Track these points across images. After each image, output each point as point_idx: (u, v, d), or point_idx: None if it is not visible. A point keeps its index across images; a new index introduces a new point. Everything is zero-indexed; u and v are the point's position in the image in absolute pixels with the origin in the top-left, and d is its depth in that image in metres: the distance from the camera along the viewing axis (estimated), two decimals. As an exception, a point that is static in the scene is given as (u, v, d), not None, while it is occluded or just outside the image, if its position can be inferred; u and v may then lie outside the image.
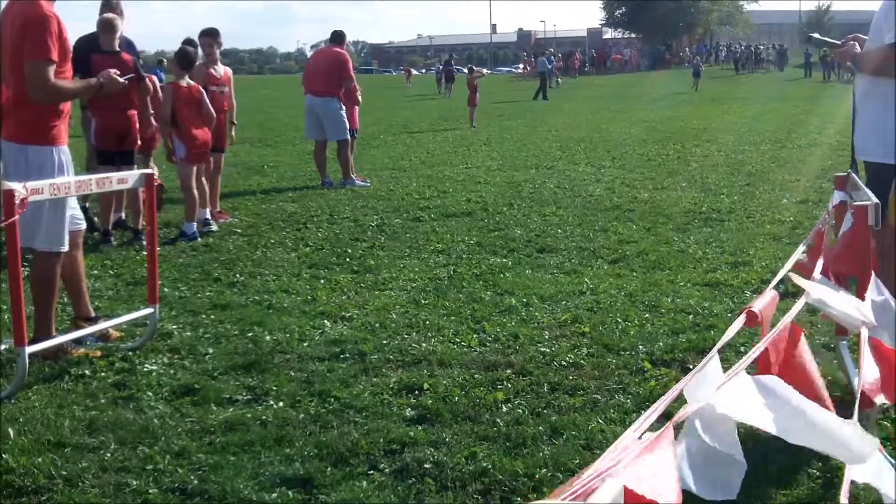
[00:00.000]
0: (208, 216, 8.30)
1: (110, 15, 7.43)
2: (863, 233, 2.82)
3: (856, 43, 3.90)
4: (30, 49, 4.38)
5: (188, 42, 10.57)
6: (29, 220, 4.29)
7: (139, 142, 7.68)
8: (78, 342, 4.70)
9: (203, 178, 8.36)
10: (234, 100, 9.31)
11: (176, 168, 8.40)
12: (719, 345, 1.76)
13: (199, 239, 7.82)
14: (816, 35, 4.71)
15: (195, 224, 7.98)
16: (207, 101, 8.20)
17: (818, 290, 2.17)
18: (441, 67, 48.51)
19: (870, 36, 3.82)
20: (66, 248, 4.62)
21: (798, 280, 2.20)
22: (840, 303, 2.20)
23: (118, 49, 7.40)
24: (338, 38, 11.70)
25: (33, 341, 4.35)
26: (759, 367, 1.87)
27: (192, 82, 8.18)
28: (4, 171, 4.49)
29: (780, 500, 2.95)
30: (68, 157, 4.67)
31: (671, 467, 1.25)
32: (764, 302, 2.00)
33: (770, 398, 1.52)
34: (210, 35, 9.13)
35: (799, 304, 2.04)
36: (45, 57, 4.38)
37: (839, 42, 4.03)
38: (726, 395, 1.47)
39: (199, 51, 9.00)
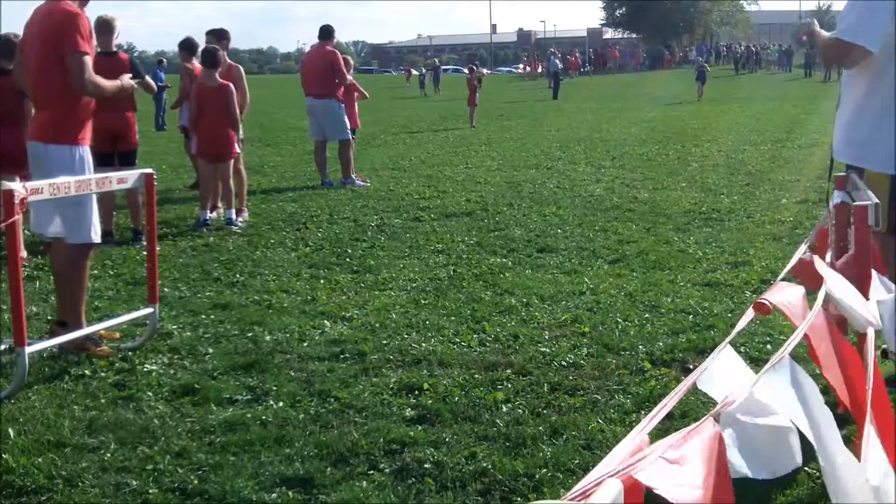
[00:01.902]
0: (209, 217, 8.34)
1: (109, 15, 7.45)
2: (863, 233, 2.81)
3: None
4: (69, 44, 4.51)
5: (186, 41, 10.62)
6: (60, 216, 4.58)
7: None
8: (95, 340, 4.74)
9: (222, 178, 8.48)
10: (247, 97, 9.41)
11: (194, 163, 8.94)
12: (733, 334, 1.76)
13: (209, 227, 8.20)
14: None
15: (207, 212, 8.38)
16: (234, 99, 8.40)
17: (834, 281, 2.17)
18: (428, 70, 47.38)
19: None
20: (98, 239, 4.83)
21: (819, 267, 2.19)
22: (851, 298, 2.20)
23: (115, 50, 7.44)
24: (326, 33, 11.48)
25: (65, 330, 4.56)
26: (811, 353, 1.87)
27: (219, 80, 8.35)
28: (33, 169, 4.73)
29: (780, 500, 2.95)
30: (90, 158, 4.77)
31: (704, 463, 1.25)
32: (782, 295, 2.00)
33: (801, 397, 1.51)
34: (214, 35, 9.20)
35: (822, 292, 2.04)
36: (83, 50, 4.52)
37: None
38: (766, 387, 1.46)
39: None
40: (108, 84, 4.79)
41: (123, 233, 8.04)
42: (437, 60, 57.86)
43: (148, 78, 8.20)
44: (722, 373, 1.62)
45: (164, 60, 27.18)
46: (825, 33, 3.87)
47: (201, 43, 9.36)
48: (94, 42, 4.81)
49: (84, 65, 4.52)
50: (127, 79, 4.99)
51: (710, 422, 1.32)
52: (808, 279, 2.45)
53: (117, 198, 8.15)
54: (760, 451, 1.41)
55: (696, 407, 3.57)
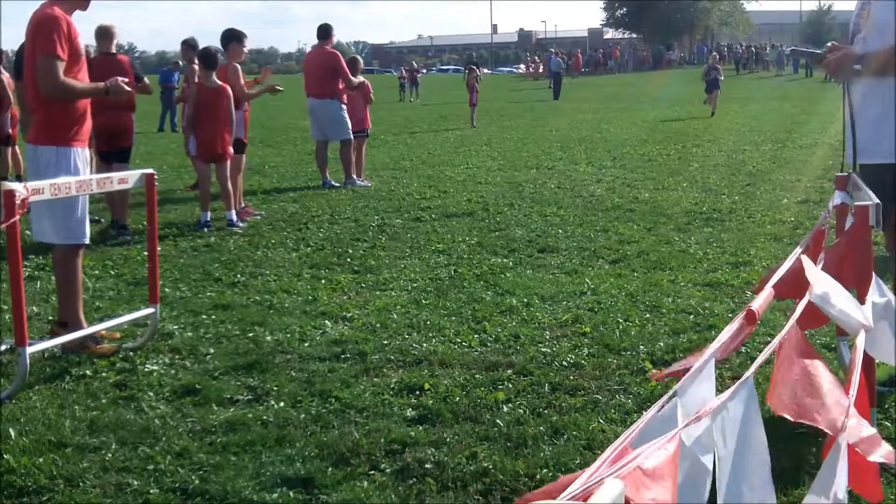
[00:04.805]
0: (209, 218, 8.36)
1: (107, 23, 7.91)
2: (863, 233, 2.81)
3: (847, 47, 3.79)
4: (39, 45, 4.52)
5: (189, 42, 10.72)
6: (48, 217, 4.57)
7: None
8: (95, 339, 4.74)
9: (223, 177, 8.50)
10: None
11: (194, 163, 8.92)
12: (714, 346, 1.75)
13: (209, 228, 8.24)
14: (797, 48, 4.72)
15: (208, 213, 8.41)
16: (232, 101, 8.46)
17: (822, 285, 2.14)
18: (405, 72, 44.19)
19: (874, 33, 3.71)
20: (87, 240, 4.83)
21: (808, 271, 2.16)
22: (842, 302, 2.18)
23: (114, 52, 7.88)
24: (324, 32, 11.35)
25: (66, 330, 4.59)
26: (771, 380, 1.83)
27: (218, 82, 8.38)
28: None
29: (780, 500, 2.95)
30: (83, 159, 4.77)
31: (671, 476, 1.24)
32: (762, 301, 1.99)
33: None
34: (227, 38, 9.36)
35: (801, 306, 2.03)
36: (53, 52, 4.50)
37: (820, 52, 3.92)
38: (724, 414, 1.46)
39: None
40: (84, 87, 4.73)
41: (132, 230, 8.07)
42: (413, 62, 52.00)
43: (146, 79, 8.43)
44: (700, 385, 1.61)
45: (180, 63, 26.58)
46: (866, 51, 3.65)
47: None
48: (86, 45, 4.83)
49: (50, 67, 4.49)
50: (118, 80, 4.95)
51: (678, 437, 1.32)
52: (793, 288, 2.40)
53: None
54: (682, 481, 1.39)
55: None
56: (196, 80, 9.14)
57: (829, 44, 3.94)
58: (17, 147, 10.79)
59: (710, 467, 1.43)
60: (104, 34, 7.84)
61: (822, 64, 3.82)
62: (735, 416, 1.48)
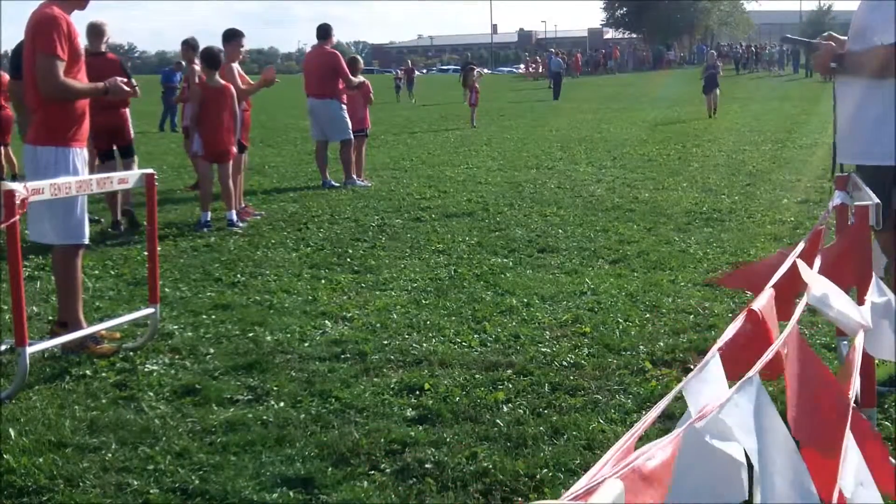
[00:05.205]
0: (209, 218, 8.37)
1: (99, 20, 7.91)
2: (863, 233, 2.81)
3: (832, 43, 3.78)
4: (39, 45, 4.52)
5: (189, 42, 10.74)
6: (48, 218, 4.57)
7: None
8: (95, 339, 4.75)
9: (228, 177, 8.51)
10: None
11: (194, 163, 8.94)
12: (719, 344, 1.74)
13: (209, 228, 8.23)
14: (788, 35, 4.72)
15: (208, 213, 8.41)
16: (236, 101, 8.50)
17: (820, 287, 2.14)
18: (401, 72, 42.75)
19: (854, 35, 3.72)
20: (86, 240, 4.83)
21: (804, 273, 2.15)
22: (840, 303, 2.17)
23: (103, 51, 7.92)
24: (324, 32, 11.30)
25: (66, 330, 4.60)
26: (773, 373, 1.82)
27: (222, 81, 8.40)
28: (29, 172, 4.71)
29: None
30: (83, 159, 4.77)
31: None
32: (763, 301, 1.98)
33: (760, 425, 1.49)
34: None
35: (800, 307, 2.02)
36: (53, 52, 4.50)
37: (814, 41, 3.92)
38: (733, 408, 1.45)
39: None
40: (84, 87, 4.74)
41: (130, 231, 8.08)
42: (409, 62, 49.72)
43: (134, 81, 8.45)
44: (707, 382, 1.60)
45: (183, 63, 26.49)
46: (868, 50, 3.61)
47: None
48: (85, 44, 4.83)
49: (50, 67, 4.49)
50: (118, 81, 4.97)
51: (681, 438, 1.31)
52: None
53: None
54: (709, 479, 1.38)
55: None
56: (197, 80, 9.15)
57: (824, 34, 3.95)
58: (9, 147, 10.80)
59: (742, 459, 1.42)
60: (95, 31, 7.79)
61: (814, 58, 3.87)
62: (745, 408, 1.47)
